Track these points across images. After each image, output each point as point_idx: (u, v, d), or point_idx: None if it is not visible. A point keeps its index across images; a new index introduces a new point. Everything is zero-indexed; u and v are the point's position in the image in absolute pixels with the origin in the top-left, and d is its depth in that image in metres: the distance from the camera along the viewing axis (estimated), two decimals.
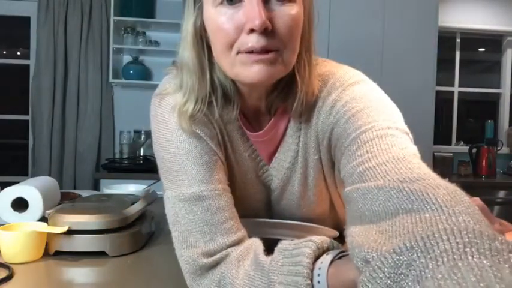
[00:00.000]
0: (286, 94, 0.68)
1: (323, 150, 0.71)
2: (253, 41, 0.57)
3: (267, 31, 0.57)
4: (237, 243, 0.65)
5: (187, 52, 0.65)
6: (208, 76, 0.66)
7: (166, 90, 0.70)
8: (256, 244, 0.64)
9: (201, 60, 0.65)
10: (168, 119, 0.68)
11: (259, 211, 0.82)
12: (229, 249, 0.63)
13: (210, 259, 0.63)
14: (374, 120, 0.61)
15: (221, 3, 0.59)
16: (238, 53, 0.59)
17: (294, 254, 0.56)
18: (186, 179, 0.66)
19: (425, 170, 0.55)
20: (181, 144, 0.67)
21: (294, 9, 0.60)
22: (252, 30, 0.57)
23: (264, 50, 0.58)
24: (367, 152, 0.58)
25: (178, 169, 0.67)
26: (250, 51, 0.58)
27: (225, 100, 0.69)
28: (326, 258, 0.56)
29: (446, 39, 3.37)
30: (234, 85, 0.67)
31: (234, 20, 0.58)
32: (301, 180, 0.75)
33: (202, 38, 0.64)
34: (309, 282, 0.54)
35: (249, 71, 0.60)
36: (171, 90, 0.70)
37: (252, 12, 0.56)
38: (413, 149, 0.63)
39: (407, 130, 0.65)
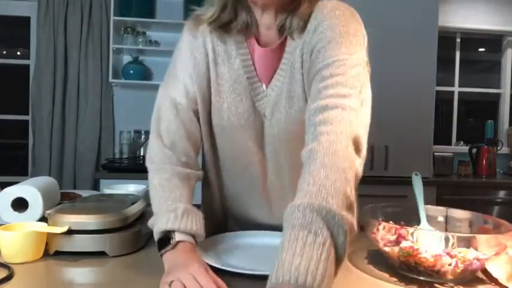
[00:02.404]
0: (292, 16, 0.85)
1: (305, 68, 0.85)
2: None
3: None
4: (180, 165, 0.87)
5: None
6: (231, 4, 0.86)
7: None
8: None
9: None
10: (183, 36, 0.95)
11: (252, 154, 0.95)
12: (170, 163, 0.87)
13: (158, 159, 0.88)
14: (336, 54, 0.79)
15: None
16: None
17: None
18: (174, 83, 0.92)
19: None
20: (181, 53, 0.93)
21: None
22: None
23: None
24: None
25: (172, 71, 0.94)
26: None
27: (243, 27, 0.88)
28: None
29: (446, 39, 3.37)
30: (250, 12, 0.88)
31: None
32: (287, 99, 0.88)
33: None
34: None
35: None
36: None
37: None
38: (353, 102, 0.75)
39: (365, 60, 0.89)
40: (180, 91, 0.92)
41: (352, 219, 0.58)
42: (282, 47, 0.89)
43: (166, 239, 0.78)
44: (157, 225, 0.79)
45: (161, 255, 0.77)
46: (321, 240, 0.53)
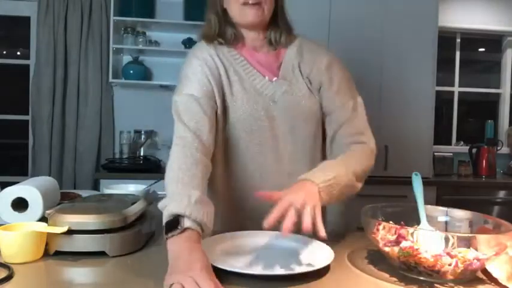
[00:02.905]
0: (276, 35, 1.15)
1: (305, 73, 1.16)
2: None
3: None
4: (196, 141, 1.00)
5: (211, 10, 1.14)
6: (222, 22, 1.13)
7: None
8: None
9: (219, 13, 1.13)
10: (194, 51, 1.15)
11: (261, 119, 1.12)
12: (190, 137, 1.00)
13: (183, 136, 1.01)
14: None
15: None
16: (240, 4, 1.07)
17: None
18: (187, 84, 1.09)
19: None
20: (192, 65, 1.12)
21: None
22: None
23: (255, 3, 1.06)
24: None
25: (185, 78, 1.11)
26: (246, 3, 1.06)
27: (233, 40, 1.15)
28: None
29: (446, 39, 3.37)
30: (237, 29, 1.15)
31: None
32: (291, 89, 1.14)
33: (219, 2, 1.12)
34: None
35: (245, 14, 1.08)
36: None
37: None
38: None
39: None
40: (196, 88, 1.08)
41: (358, 183, 1.04)
42: (278, 53, 1.17)
43: (174, 223, 0.80)
44: (169, 207, 0.82)
45: (166, 239, 0.79)
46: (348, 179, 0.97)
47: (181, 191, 0.85)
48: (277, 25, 1.15)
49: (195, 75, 1.09)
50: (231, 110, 1.11)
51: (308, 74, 1.15)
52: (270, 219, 0.79)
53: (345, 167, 0.98)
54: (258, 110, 1.11)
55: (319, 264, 0.80)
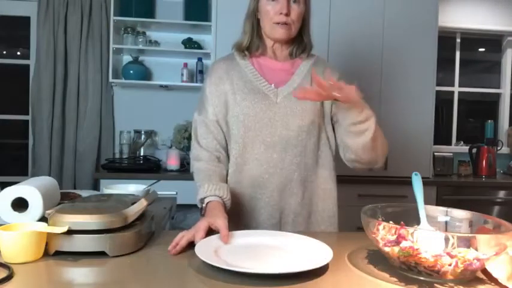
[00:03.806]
0: (298, 47, 1.33)
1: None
2: (281, 18, 1.23)
3: (287, 15, 1.22)
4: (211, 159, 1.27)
5: (248, 20, 1.31)
6: (255, 34, 1.31)
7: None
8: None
9: (254, 26, 1.30)
10: (210, 72, 1.35)
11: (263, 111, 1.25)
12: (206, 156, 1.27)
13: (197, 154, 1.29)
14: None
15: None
16: (273, 23, 1.24)
17: None
18: (204, 107, 1.31)
19: None
20: (206, 87, 1.33)
21: (300, 7, 1.25)
22: (281, 13, 1.22)
23: (284, 23, 1.23)
24: None
25: (202, 100, 1.33)
26: (278, 23, 1.23)
27: (260, 50, 1.32)
28: None
29: (446, 39, 3.37)
30: (264, 41, 1.32)
31: (274, 9, 1.23)
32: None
33: (255, 14, 1.29)
34: None
35: (276, 32, 1.25)
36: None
37: (283, 6, 1.22)
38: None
39: None
40: (209, 111, 1.30)
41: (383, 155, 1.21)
42: (293, 64, 1.33)
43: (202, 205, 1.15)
44: (197, 196, 1.17)
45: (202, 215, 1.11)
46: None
47: (201, 182, 1.20)
48: (301, 41, 1.31)
49: (207, 98, 1.30)
50: (232, 107, 1.27)
51: None
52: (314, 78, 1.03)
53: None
54: (260, 108, 1.24)
55: (317, 264, 0.80)
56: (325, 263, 0.81)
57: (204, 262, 0.80)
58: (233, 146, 1.26)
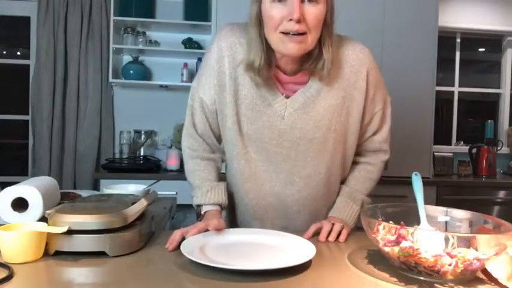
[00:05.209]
0: (315, 65, 1.00)
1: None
2: (291, 25, 0.91)
3: (300, 21, 0.90)
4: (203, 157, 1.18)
5: (252, 29, 0.99)
6: (263, 43, 0.98)
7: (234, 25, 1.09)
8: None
9: (259, 33, 0.98)
10: (218, 42, 1.08)
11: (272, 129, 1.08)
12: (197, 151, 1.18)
13: (190, 147, 1.18)
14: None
15: (273, 0, 0.92)
16: (280, 32, 0.93)
17: None
18: (202, 87, 1.13)
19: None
20: (210, 61, 1.10)
21: (318, 8, 0.92)
22: (291, 19, 0.90)
23: (297, 33, 0.91)
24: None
25: (201, 74, 1.14)
26: (288, 33, 0.92)
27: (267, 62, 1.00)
28: None
29: (446, 39, 3.37)
30: (271, 54, 1.00)
31: (281, 12, 0.91)
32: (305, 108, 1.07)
33: (260, 20, 0.97)
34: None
35: (285, 47, 0.94)
36: (237, 27, 1.08)
37: (293, 9, 0.89)
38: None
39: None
40: (206, 94, 1.13)
41: (368, 199, 1.17)
42: (302, 76, 1.05)
43: (199, 210, 1.12)
44: (193, 201, 1.13)
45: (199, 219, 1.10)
46: (357, 207, 1.13)
47: (197, 185, 1.13)
48: (321, 55, 0.98)
49: (208, 78, 1.12)
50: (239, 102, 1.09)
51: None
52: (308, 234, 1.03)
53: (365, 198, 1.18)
54: (264, 123, 1.08)
55: (299, 260, 0.81)
56: (308, 259, 0.83)
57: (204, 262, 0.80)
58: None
